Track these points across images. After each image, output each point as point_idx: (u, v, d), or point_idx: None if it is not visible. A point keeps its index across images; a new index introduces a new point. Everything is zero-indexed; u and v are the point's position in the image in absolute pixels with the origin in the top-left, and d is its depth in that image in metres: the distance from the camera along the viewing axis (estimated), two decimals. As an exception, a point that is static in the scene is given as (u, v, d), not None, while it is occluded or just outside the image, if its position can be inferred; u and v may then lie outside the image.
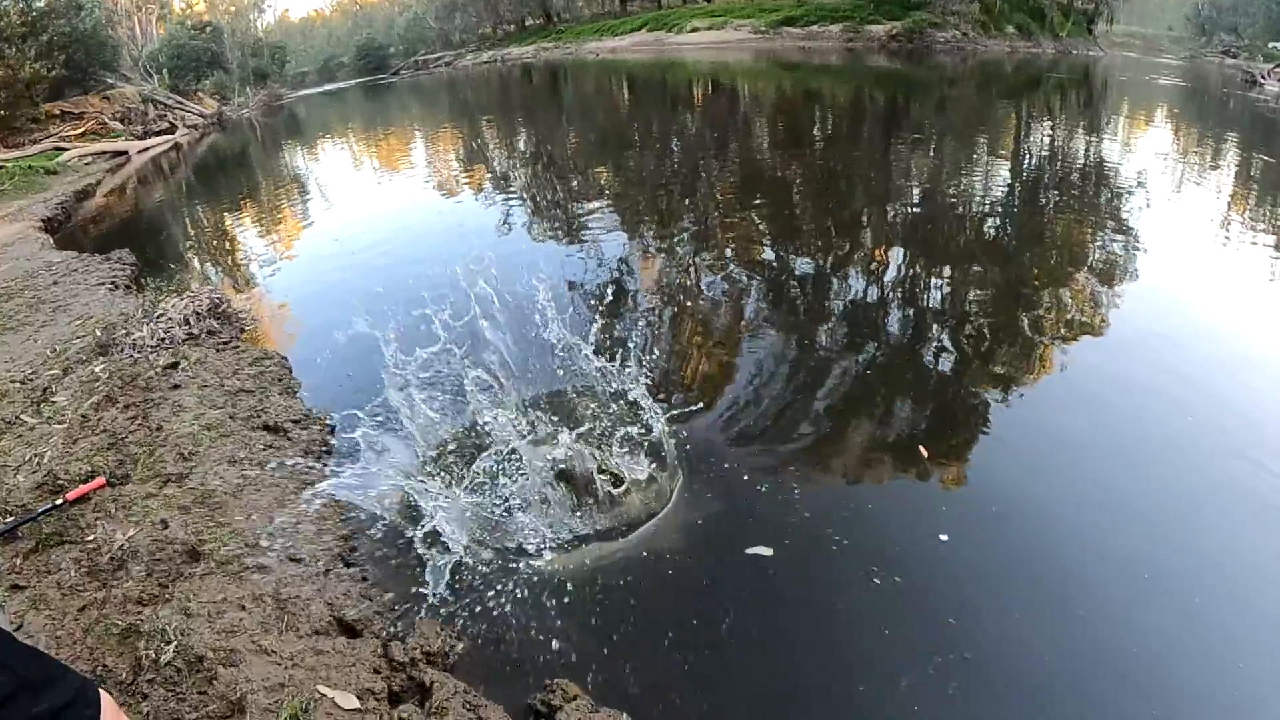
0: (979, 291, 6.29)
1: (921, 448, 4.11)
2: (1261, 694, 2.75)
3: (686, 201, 9.58)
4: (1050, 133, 14.25)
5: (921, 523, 3.54)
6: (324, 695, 2.42)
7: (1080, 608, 3.08)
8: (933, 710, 2.63)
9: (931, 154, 12.22)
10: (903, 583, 3.17)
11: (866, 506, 3.71)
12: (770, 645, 2.92)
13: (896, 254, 7.29)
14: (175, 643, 2.62)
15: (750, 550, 3.35)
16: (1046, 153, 12.47)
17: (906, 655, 2.84)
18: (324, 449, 4.13)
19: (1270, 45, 26.29)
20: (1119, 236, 7.68)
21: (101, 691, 1.28)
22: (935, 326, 5.65)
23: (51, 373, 4.91)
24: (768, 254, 7.44)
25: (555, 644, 2.90)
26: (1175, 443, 4.24)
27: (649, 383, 4.15)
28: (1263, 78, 21.60)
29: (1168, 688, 2.76)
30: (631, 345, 4.28)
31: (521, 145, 15.39)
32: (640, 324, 5.77)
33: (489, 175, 12.50)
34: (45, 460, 3.83)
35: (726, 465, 3.93)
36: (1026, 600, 3.13)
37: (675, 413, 4.23)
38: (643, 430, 3.92)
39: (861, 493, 3.82)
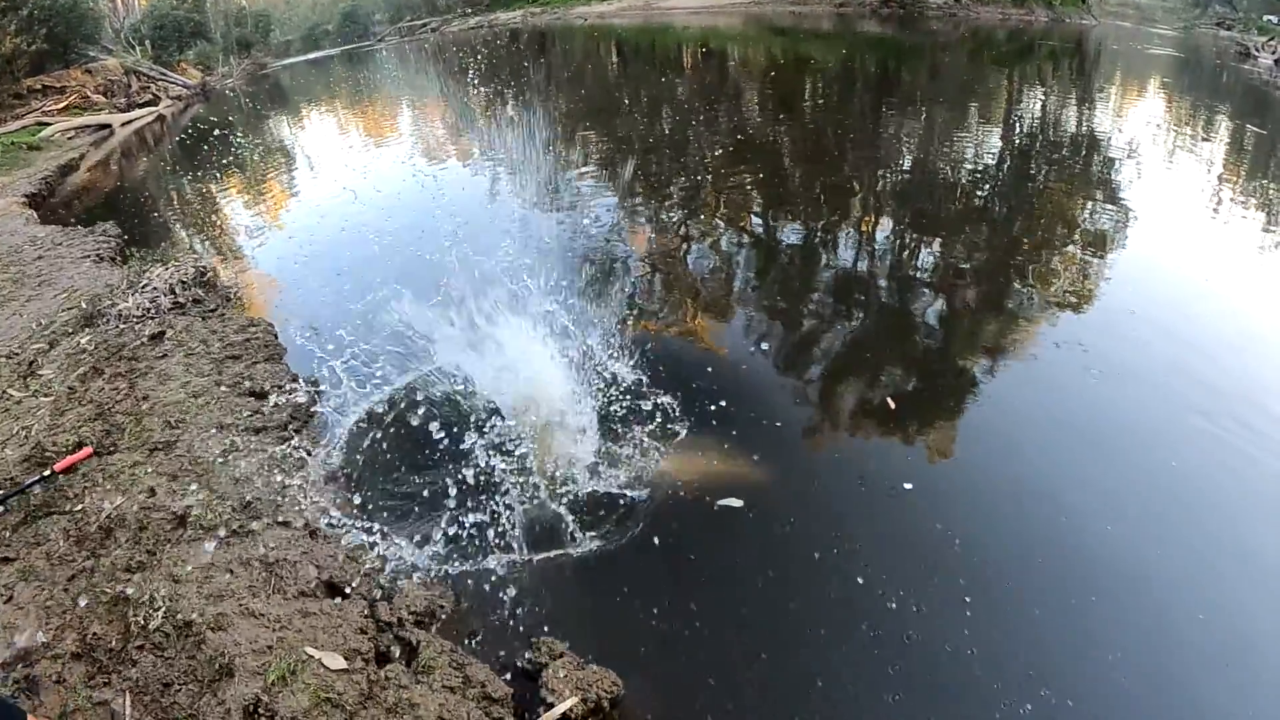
0: (957, 255, 6.32)
1: (890, 400, 4.19)
2: (1216, 623, 2.87)
3: (675, 166, 9.51)
4: (1042, 101, 14.15)
5: (887, 472, 3.64)
6: (311, 656, 2.45)
7: (1037, 554, 3.18)
8: (894, 644, 2.74)
9: (922, 121, 12.13)
10: (868, 529, 3.30)
11: (834, 456, 3.82)
12: (743, 593, 3.00)
13: (880, 218, 7.30)
14: (164, 608, 2.64)
15: (721, 502, 3.42)
16: (1038, 121, 12.39)
17: (871, 596, 2.95)
18: (308, 414, 4.13)
19: (1265, 19, 25.93)
20: (1106, 206, 7.67)
21: (29, 716, 1.28)
22: (914, 289, 5.71)
23: (38, 346, 4.89)
24: (754, 218, 7.43)
25: (538, 598, 2.95)
26: (1139, 401, 4.30)
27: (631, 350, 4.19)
28: (1256, 51, 21.30)
29: (1126, 626, 2.85)
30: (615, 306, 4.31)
31: (510, 111, 15.23)
32: (626, 286, 5.77)
33: (477, 142, 12.36)
34: (32, 433, 3.82)
35: (700, 420, 3.97)
36: (981, 540, 3.24)
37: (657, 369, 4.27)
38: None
39: (830, 443, 3.93)
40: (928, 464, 3.71)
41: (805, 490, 3.54)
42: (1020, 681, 2.60)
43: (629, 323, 4.89)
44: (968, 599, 2.91)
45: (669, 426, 3.88)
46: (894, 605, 2.88)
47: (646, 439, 3.76)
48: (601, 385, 4.07)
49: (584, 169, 9.57)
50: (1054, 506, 3.43)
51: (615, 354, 4.19)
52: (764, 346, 4.89)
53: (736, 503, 3.42)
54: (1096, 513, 3.38)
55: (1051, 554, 3.16)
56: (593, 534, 3.25)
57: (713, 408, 4.03)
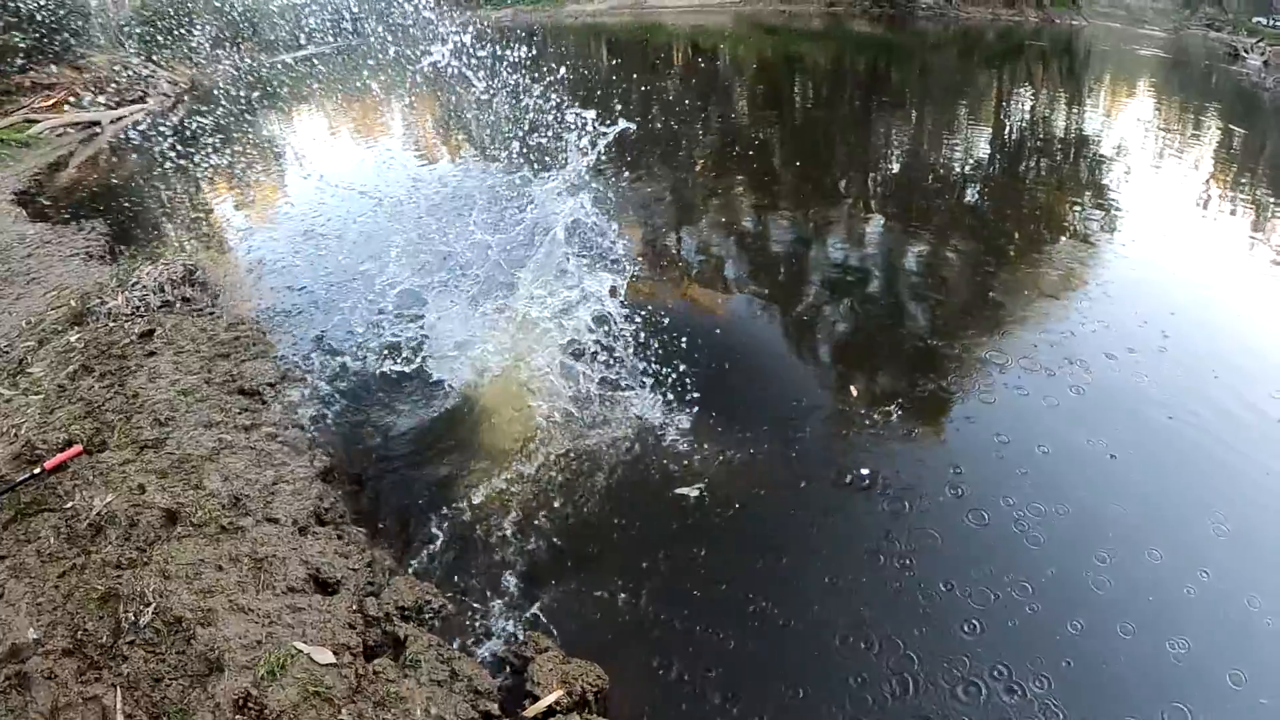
0: (935, 248, 6.44)
1: (851, 387, 4.25)
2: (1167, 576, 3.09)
3: (669, 159, 9.58)
4: (1031, 101, 14.27)
5: (845, 461, 3.73)
6: (300, 651, 2.48)
7: (1000, 532, 3.31)
8: (871, 628, 2.84)
9: (912, 120, 12.22)
10: (832, 518, 3.41)
11: (793, 447, 3.87)
12: (713, 582, 3.08)
13: (866, 213, 7.49)
14: (154, 605, 2.66)
15: (678, 490, 3.49)
16: (1025, 121, 12.50)
17: (838, 575, 3.06)
18: (297, 410, 4.17)
19: (1254, 20, 26.11)
20: (1090, 206, 7.82)
21: None
22: (891, 279, 5.85)
23: (27, 344, 4.88)
24: (740, 212, 7.54)
25: (523, 593, 3.01)
26: (1103, 393, 4.40)
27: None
28: (1246, 52, 21.48)
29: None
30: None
31: (502, 104, 15.23)
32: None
33: (467, 140, 12.36)
34: (22, 431, 3.83)
35: (658, 411, 4.05)
36: (943, 524, 3.35)
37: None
38: None
39: (788, 432, 3.98)
40: (887, 452, 3.81)
41: (761, 477, 3.62)
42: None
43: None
44: (935, 583, 3.01)
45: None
46: (864, 592, 2.98)
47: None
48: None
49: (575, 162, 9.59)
50: (1002, 485, 3.58)
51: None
52: (732, 326, 5.01)
53: (693, 491, 3.48)
54: (1061, 491, 3.53)
55: (1003, 529, 3.31)
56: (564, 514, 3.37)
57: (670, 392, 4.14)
